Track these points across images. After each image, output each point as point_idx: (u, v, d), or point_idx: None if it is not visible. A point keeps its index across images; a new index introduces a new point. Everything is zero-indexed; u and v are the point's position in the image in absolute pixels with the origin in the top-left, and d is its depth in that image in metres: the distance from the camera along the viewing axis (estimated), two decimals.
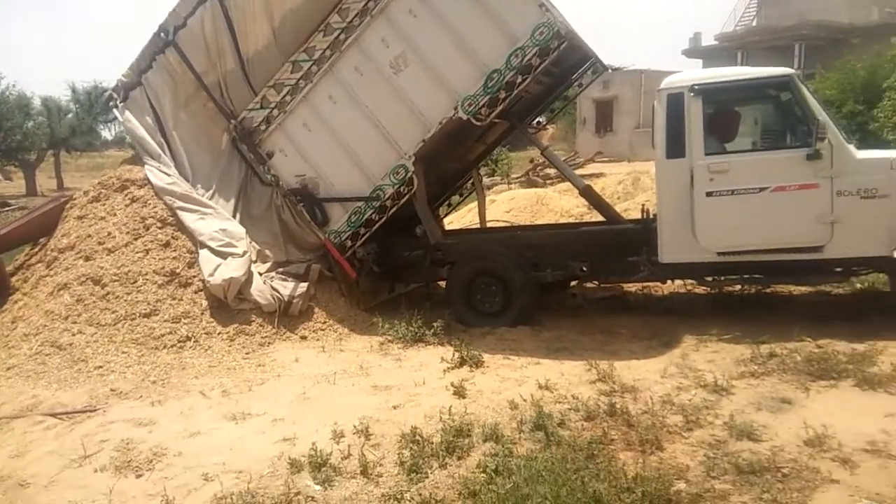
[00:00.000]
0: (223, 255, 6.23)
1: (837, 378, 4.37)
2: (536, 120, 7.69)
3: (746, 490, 3.22)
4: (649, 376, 4.74)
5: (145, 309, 5.92)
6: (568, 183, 15.25)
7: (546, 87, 6.99)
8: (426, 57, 6.03)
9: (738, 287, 6.40)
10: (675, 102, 5.58)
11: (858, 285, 6.41)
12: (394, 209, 6.38)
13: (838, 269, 5.57)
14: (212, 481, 3.59)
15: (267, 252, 6.63)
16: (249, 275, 6.19)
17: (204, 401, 4.75)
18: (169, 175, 6.77)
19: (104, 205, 6.88)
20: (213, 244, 6.30)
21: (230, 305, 6.06)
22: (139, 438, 4.12)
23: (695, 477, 3.37)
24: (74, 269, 6.32)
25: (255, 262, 6.44)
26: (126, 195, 6.89)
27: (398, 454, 3.77)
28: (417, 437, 3.87)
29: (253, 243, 6.57)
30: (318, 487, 3.50)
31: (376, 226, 6.44)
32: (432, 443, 3.82)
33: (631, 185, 13.63)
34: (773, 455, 3.48)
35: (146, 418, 4.44)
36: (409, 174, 6.23)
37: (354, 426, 4.09)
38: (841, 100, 15.24)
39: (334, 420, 4.19)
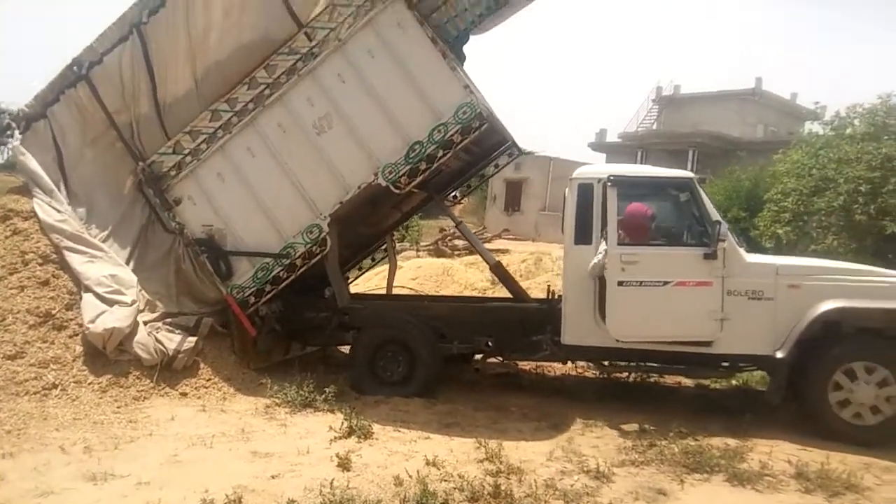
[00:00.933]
0: (109, 303, 5.89)
1: (710, 472, 4.53)
2: (452, 194, 7.86)
3: None
4: (536, 458, 4.76)
5: (10, 350, 5.45)
6: (475, 256, 15.65)
7: (464, 164, 7.21)
8: (351, 121, 6.10)
9: (626, 374, 6.63)
10: (586, 192, 5.84)
11: (734, 382, 6.78)
12: (304, 268, 6.26)
13: (725, 364, 5.84)
14: None
15: (157, 302, 6.31)
16: (135, 326, 5.84)
17: (62, 456, 4.34)
18: (59, 212, 6.40)
19: None
20: (99, 289, 5.94)
21: (108, 356, 5.67)
22: None
23: None
24: None
25: (143, 311, 6.10)
26: (8, 226, 6.44)
27: None
28: None
29: (143, 292, 6.24)
30: None
31: (284, 284, 6.28)
32: None
33: (533, 264, 14.07)
34: None
35: None
36: (323, 234, 6.17)
37: (226, 495, 3.83)
38: (727, 205, 16.55)
39: (205, 487, 3.92)
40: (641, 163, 29.74)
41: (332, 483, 4.04)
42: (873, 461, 4.81)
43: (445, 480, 4.28)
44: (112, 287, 6.00)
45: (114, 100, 6.56)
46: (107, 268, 6.16)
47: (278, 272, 6.28)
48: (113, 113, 6.57)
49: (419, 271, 12.23)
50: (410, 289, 10.95)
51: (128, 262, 6.43)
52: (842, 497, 4.21)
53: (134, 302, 5.97)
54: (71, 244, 6.21)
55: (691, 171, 27.37)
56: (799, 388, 5.43)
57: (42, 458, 4.29)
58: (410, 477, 4.23)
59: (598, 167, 6.55)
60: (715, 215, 5.61)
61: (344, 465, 4.41)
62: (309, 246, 6.22)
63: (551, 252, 15.58)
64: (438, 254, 20.03)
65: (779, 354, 5.37)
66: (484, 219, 29.64)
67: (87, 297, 5.90)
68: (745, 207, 15.99)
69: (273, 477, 4.23)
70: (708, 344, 5.59)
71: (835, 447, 5.00)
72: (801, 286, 5.47)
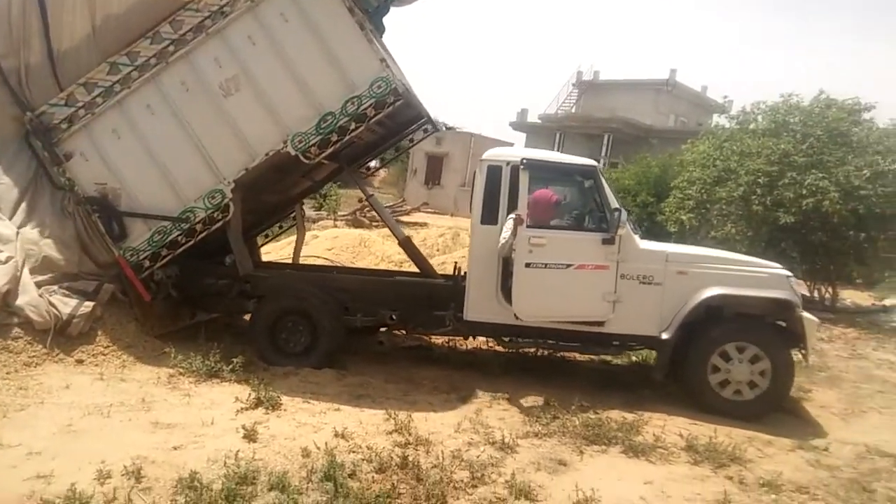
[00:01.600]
0: None
1: (608, 444, 4.78)
2: (367, 165, 7.76)
3: None
4: (444, 430, 4.85)
5: None
6: None
7: (379, 137, 7.12)
8: (260, 86, 5.89)
9: (533, 349, 6.84)
10: (494, 175, 5.94)
11: (634, 358, 7.12)
12: (204, 234, 6.04)
13: (615, 343, 6.13)
14: None
15: (55, 262, 5.93)
16: (15, 285, 5.47)
17: None
18: None
19: None
20: None
21: None
22: None
23: None
24: None
25: (37, 271, 5.72)
26: None
27: (171, 501, 3.48)
28: (195, 483, 3.61)
29: (34, 248, 5.84)
30: None
31: (182, 249, 6.05)
32: (211, 490, 3.58)
33: (451, 239, 14.13)
34: None
35: None
36: (226, 200, 5.97)
37: (125, 466, 3.72)
38: (637, 190, 17.24)
39: (102, 458, 3.79)
40: (560, 145, 30.48)
41: (236, 454, 3.99)
42: (756, 435, 5.18)
43: (354, 452, 4.31)
44: None
45: (1, 42, 6.07)
46: None
47: (176, 236, 6.05)
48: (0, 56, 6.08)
49: (336, 241, 12.07)
50: (326, 259, 10.80)
51: (13, 215, 5.98)
52: (727, 468, 4.52)
53: (11, 259, 5.57)
54: None
55: (606, 155, 28.37)
56: (681, 367, 5.80)
57: None
58: (318, 448, 4.24)
59: (507, 150, 6.66)
60: (615, 203, 5.83)
61: (250, 436, 4.36)
62: (210, 211, 6.02)
63: (469, 228, 15.73)
64: (356, 224, 19.87)
65: (664, 335, 5.71)
66: (404, 191, 29.55)
67: None
68: (653, 193, 16.67)
69: (175, 448, 4.12)
70: (601, 324, 5.86)
71: (722, 422, 5.35)
72: (687, 273, 5.80)
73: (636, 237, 5.98)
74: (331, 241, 12.10)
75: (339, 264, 9.67)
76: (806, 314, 5.72)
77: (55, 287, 5.74)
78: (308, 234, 11.39)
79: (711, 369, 5.66)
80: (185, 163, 6.01)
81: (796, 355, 5.78)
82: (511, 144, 33.09)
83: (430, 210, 26.40)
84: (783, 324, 5.82)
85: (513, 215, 5.65)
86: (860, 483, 4.49)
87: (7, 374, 5.02)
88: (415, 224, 20.29)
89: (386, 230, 15.37)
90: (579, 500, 3.86)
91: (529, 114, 35.11)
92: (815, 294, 12.00)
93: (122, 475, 3.66)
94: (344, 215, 21.36)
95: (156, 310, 6.26)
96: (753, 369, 5.61)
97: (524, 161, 5.72)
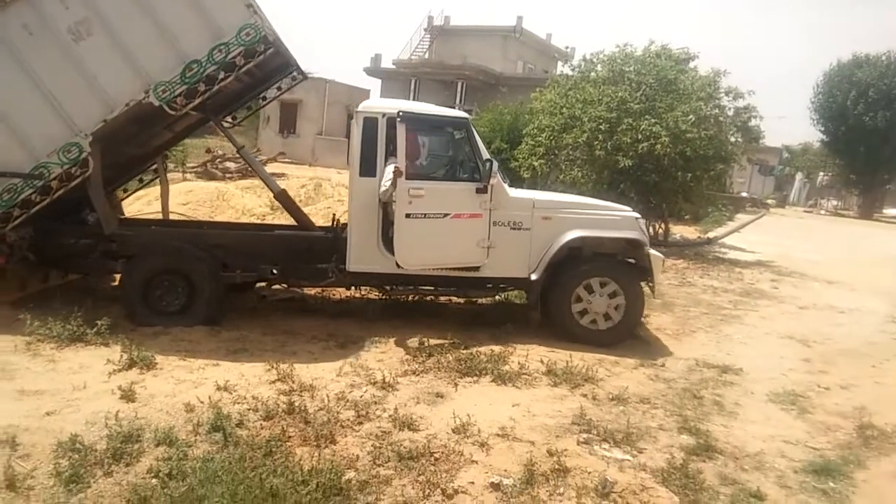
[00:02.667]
0: None
1: (479, 375, 5.20)
2: (231, 115, 7.49)
3: (406, 474, 3.66)
4: (326, 375, 5.04)
5: None
6: (251, 180, 15.14)
7: (245, 86, 6.88)
8: (115, 31, 5.50)
9: (405, 296, 7.13)
10: (370, 126, 6.02)
11: (497, 298, 7.64)
12: (61, 191, 5.64)
13: (489, 286, 6.57)
14: None
15: None
16: None
17: None
18: None
19: None
20: None
21: None
22: None
23: (363, 465, 3.72)
24: None
25: None
26: None
27: (54, 464, 3.42)
28: (77, 445, 3.57)
29: None
30: None
31: (37, 208, 5.63)
32: (96, 450, 3.56)
33: (313, 190, 13.98)
34: (429, 442, 4.00)
35: None
36: (84, 155, 5.60)
37: None
38: (490, 137, 17.87)
39: None
40: (415, 92, 30.56)
41: (116, 414, 3.94)
42: (605, 357, 5.86)
43: (238, 403, 4.39)
44: None
45: None
46: None
47: (29, 195, 5.61)
48: None
49: (190, 196, 11.57)
50: (181, 214, 10.35)
51: None
52: (581, 387, 5.11)
53: None
54: None
55: (460, 102, 28.89)
56: (547, 303, 6.36)
57: None
58: (202, 402, 4.27)
59: (382, 102, 6.76)
60: (486, 154, 6.16)
61: (128, 396, 4.30)
62: (67, 167, 5.62)
63: (330, 178, 15.61)
64: (208, 177, 18.95)
65: (533, 276, 6.22)
66: (257, 141, 28.39)
67: None
68: (506, 140, 17.39)
69: (48, 414, 3.99)
70: (476, 269, 6.25)
71: (576, 348, 5.96)
72: (552, 218, 6.32)
73: (506, 186, 6.36)
74: (185, 196, 11.58)
75: (196, 219, 9.32)
76: (653, 251, 6.43)
77: None
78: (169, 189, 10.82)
79: (575, 299, 6.22)
80: (33, 114, 5.53)
81: (645, 288, 6.49)
82: (367, 91, 32.79)
83: (286, 160, 25.62)
84: (633, 261, 6.48)
85: (391, 166, 5.79)
86: (691, 392, 5.27)
87: None
88: (273, 175, 19.70)
89: (244, 182, 14.98)
90: (457, 427, 4.22)
91: (383, 59, 34.83)
92: (651, 231, 13.31)
93: None
94: (193, 167, 20.26)
95: (7, 275, 5.80)
96: (610, 304, 6.25)
97: (400, 113, 5.84)
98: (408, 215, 5.82)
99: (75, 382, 4.45)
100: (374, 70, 34.54)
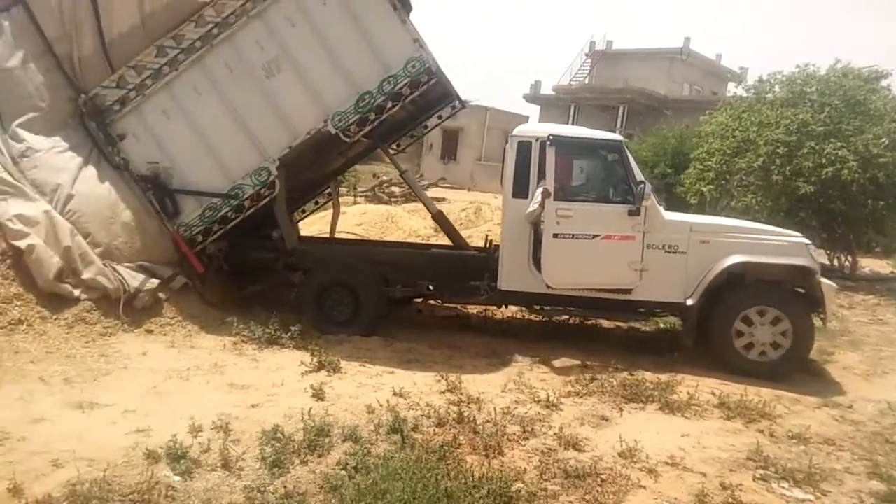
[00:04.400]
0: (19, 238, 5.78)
1: (645, 402, 5.14)
2: (396, 142, 8.05)
3: (572, 492, 3.73)
4: (491, 390, 5.23)
5: None
6: (416, 203, 15.92)
7: (409, 114, 7.40)
8: (300, 67, 6.17)
9: (566, 317, 7.18)
10: (524, 150, 6.25)
11: (662, 325, 7.46)
12: (252, 210, 6.38)
13: (641, 310, 6.45)
14: (63, 467, 3.46)
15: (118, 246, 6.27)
16: (79, 260, 5.82)
17: (44, 387, 4.50)
18: None
19: None
20: (10, 225, 5.81)
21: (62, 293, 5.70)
22: None
23: (530, 479, 3.83)
24: None
25: (106, 240, 6.12)
26: None
27: (260, 450, 3.87)
28: (279, 435, 4.00)
29: (69, 232, 6.11)
30: (177, 478, 3.51)
31: (232, 224, 6.40)
32: (293, 440, 3.97)
33: (473, 213, 14.45)
34: (594, 463, 4.03)
35: None
36: (272, 177, 6.29)
37: (213, 422, 4.11)
38: (654, 161, 17.41)
39: (191, 415, 4.17)
40: (574, 117, 30.50)
41: (309, 411, 4.37)
42: (784, 394, 5.53)
43: (413, 409, 4.69)
44: (16, 228, 5.82)
45: (52, 27, 6.38)
46: (15, 206, 5.93)
47: (226, 212, 6.39)
48: (52, 42, 6.39)
49: (364, 217, 12.43)
50: (354, 234, 11.16)
51: (69, 192, 6.25)
52: (757, 423, 4.87)
53: (35, 245, 5.74)
54: None
55: (621, 127, 28.39)
56: (705, 330, 6.13)
57: (25, 389, 4.42)
58: (381, 406, 4.62)
59: (536, 126, 6.95)
60: (639, 176, 6.12)
61: (318, 395, 4.75)
62: (257, 188, 6.34)
63: (489, 202, 16.02)
64: (376, 200, 20.18)
65: (689, 302, 6.05)
66: (420, 166, 29.73)
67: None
68: (671, 164, 16.84)
69: (253, 406, 4.52)
70: (628, 291, 6.18)
71: (751, 382, 5.68)
72: (710, 242, 6.12)
73: (661, 209, 6.27)
74: (359, 217, 12.46)
75: (367, 238, 9.99)
76: (824, 280, 6.02)
77: (129, 263, 6.09)
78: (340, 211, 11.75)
79: (736, 328, 5.97)
80: (231, 142, 6.32)
81: (816, 320, 6.07)
82: (526, 118, 33.23)
83: (446, 185, 26.62)
84: (802, 290, 6.10)
85: (541, 188, 5.95)
86: (883, 436, 4.83)
87: (87, 342, 5.44)
88: (434, 199, 20.54)
89: (410, 206, 15.79)
90: (623, 451, 4.21)
91: (543, 86, 35.11)
92: (835, 263, 12.24)
93: (212, 429, 4.05)
94: (363, 191, 21.67)
95: (208, 282, 6.61)
96: (775, 331, 5.93)
97: (550, 137, 6.00)
98: (555, 235, 5.93)
99: (274, 380, 5.01)
100: (533, 97, 34.88)
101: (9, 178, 6.06)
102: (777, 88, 12.82)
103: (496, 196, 20.96)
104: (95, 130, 6.54)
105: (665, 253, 6.11)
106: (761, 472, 4.06)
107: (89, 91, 6.38)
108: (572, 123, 28.65)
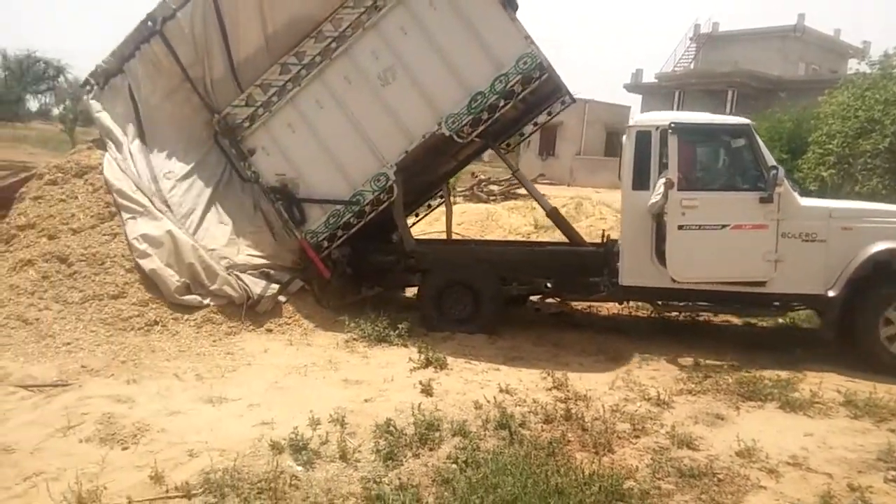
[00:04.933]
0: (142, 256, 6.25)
1: (764, 400, 4.93)
2: (506, 142, 8.08)
3: (687, 491, 3.64)
4: (598, 387, 5.17)
5: (113, 290, 5.98)
6: (514, 201, 15.92)
7: (519, 113, 7.42)
8: (414, 73, 6.33)
9: (675, 313, 6.97)
10: (643, 140, 6.06)
11: (781, 320, 7.09)
12: (372, 214, 6.62)
13: (776, 304, 6.14)
14: (197, 457, 3.75)
15: (247, 250, 6.71)
16: (204, 273, 6.24)
17: (179, 383, 4.88)
18: (122, 170, 6.77)
19: (62, 188, 6.92)
20: (136, 244, 6.29)
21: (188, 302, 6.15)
22: (120, 413, 4.23)
23: (642, 477, 3.77)
24: (38, 246, 6.32)
25: (234, 253, 6.58)
26: (86, 181, 6.92)
27: (374, 442, 4.03)
28: (391, 428, 4.15)
29: (234, 237, 6.69)
30: (300, 468, 3.72)
31: (354, 229, 6.65)
32: (405, 434, 4.11)
33: (574, 209, 14.23)
34: (710, 462, 3.92)
35: (124, 395, 4.54)
36: (390, 182, 6.50)
37: (330, 415, 4.32)
38: (770, 147, 16.36)
39: (309, 409, 4.39)
40: (679, 104, 29.38)
41: (419, 406, 4.50)
42: None
43: (520, 405, 4.73)
44: (140, 249, 6.25)
45: (187, 54, 6.87)
46: (142, 226, 6.41)
47: (349, 218, 6.64)
48: (187, 67, 6.89)
49: (464, 216, 12.57)
50: (456, 233, 11.29)
51: (207, 207, 6.80)
52: (889, 422, 4.56)
53: (155, 267, 6.16)
54: (120, 200, 6.59)
55: (731, 112, 27.04)
56: (850, 324, 5.72)
57: (162, 384, 4.82)
58: (488, 402, 4.69)
59: (655, 115, 6.73)
60: (771, 160, 5.81)
61: (427, 391, 4.88)
62: (377, 193, 6.56)
63: (590, 196, 15.75)
64: (475, 199, 20.31)
65: (831, 293, 5.67)
66: (518, 163, 29.59)
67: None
68: (787, 149, 15.86)
69: (366, 400, 4.71)
70: (762, 284, 5.88)
71: (880, 379, 5.33)
72: (853, 228, 5.72)
73: (796, 194, 5.95)
74: (459, 216, 12.57)
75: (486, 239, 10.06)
76: None
77: (250, 269, 6.51)
78: (437, 211, 11.95)
79: (884, 322, 5.58)
80: (352, 150, 6.58)
81: None
82: (628, 108, 32.33)
83: (545, 181, 26.35)
84: None
85: (663, 178, 5.79)
86: None
87: (214, 341, 5.86)
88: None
89: (509, 203, 15.80)
90: (741, 450, 4.06)
91: (645, 74, 34.05)
92: None
93: (329, 422, 4.25)
94: (462, 191, 21.87)
95: (332, 286, 6.93)
96: None
97: (672, 125, 5.83)
98: (680, 227, 5.75)
99: (385, 375, 5.19)
100: (634, 86, 33.90)
101: (139, 198, 6.60)
102: None
103: (597, 191, 20.65)
104: (228, 147, 7.02)
105: (802, 242, 5.79)
106: (893, 473, 3.81)
107: (221, 111, 6.82)
108: (678, 110, 27.60)
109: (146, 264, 6.19)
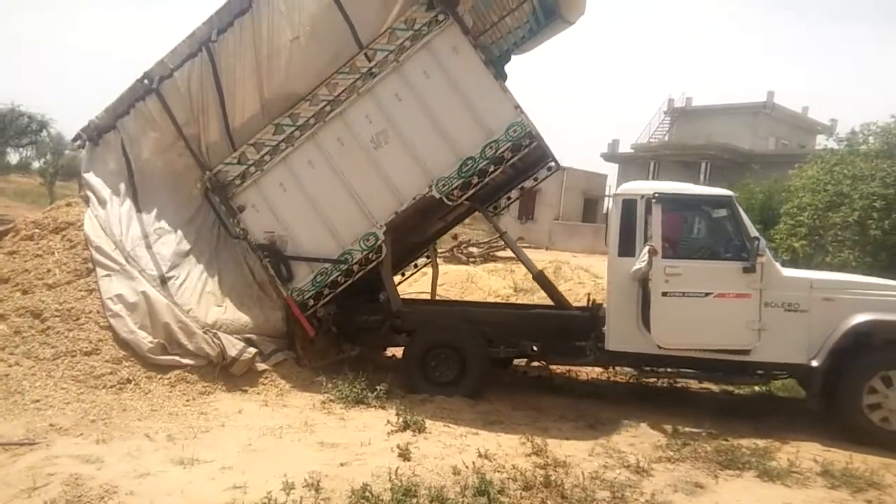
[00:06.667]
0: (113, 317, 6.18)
1: (742, 469, 4.90)
2: (493, 205, 8.23)
3: None
4: (578, 454, 5.12)
5: (86, 347, 5.87)
6: (493, 264, 16.03)
7: (507, 178, 7.58)
8: (406, 137, 6.47)
9: (655, 379, 6.98)
10: (629, 208, 6.20)
11: (757, 388, 7.12)
12: (360, 274, 6.63)
13: (760, 372, 6.17)
14: None
15: (234, 308, 6.68)
16: (179, 331, 6.19)
17: (150, 443, 4.74)
18: (102, 228, 6.76)
19: (38, 244, 6.87)
20: (109, 304, 6.22)
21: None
22: (87, 475, 4.09)
23: None
24: (11, 300, 6.23)
25: (220, 312, 6.55)
26: (63, 237, 6.88)
27: None
28: (367, 494, 4.06)
29: (221, 296, 6.66)
30: None
31: (341, 288, 6.65)
32: (382, 500, 4.02)
33: (553, 273, 14.36)
34: None
35: (93, 456, 4.40)
36: (379, 242, 6.54)
37: (305, 479, 4.22)
38: None
39: (283, 472, 4.30)
40: (654, 174, 30.16)
41: (396, 470, 4.42)
42: (893, 462, 5.16)
43: (499, 471, 4.65)
44: (112, 310, 6.18)
45: (182, 112, 6.96)
46: (116, 286, 6.34)
47: (336, 277, 6.64)
48: (182, 125, 6.97)
49: (445, 277, 12.59)
50: (438, 295, 11.31)
51: (194, 264, 6.77)
52: (865, 493, 4.56)
53: (131, 330, 6.10)
54: (98, 256, 6.54)
55: (704, 183, 27.79)
56: (832, 394, 5.75)
57: (133, 445, 4.68)
58: (467, 467, 4.61)
59: (640, 184, 6.88)
60: (753, 231, 5.96)
61: (404, 455, 4.79)
62: (365, 253, 6.59)
63: (569, 261, 15.97)
64: (455, 261, 20.42)
65: (814, 363, 5.73)
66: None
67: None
68: (759, 220, 16.26)
69: (342, 464, 4.60)
70: (746, 352, 5.93)
71: (856, 449, 5.34)
72: (834, 299, 5.83)
73: (777, 265, 6.08)
74: (441, 278, 12.57)
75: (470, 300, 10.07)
76: None
77: (230, 331, 6.44)
78: (420, 272, 12.00)
79: (868, 391, 5.62)
80: (342, 210, 6.63)
81: None
82: (605, 176, 33.09)
83: (525, 244, 26.58)
84: None
85: (647, 246, 5.91)
86: None
87: (187, 401, 5.73)
88: (513, 260, 20.59)
89: (489, 266, 15.92)
90: None
91: (621, 144, 35.04)
92: None
93: (304, 487, 4.15)
94: (442, 252, 22.00)
95: (315, 345, 6.87)
96: None
97: (656, 194, 5.99)
98: (664, 294, 5.84)
99: (362, 439, 5.09)
100: (611, 155, 34.83)
101: (116, 257, 6.55)
102: (871, 139, 12.38)
103: (574, 255, 20.93)
104: (218, 204, 7.04)
105: (785, 311, 5.86)
106: None
107: (213, 168, 6.86)
108: (654, 180, 28.32)
109: (117, 325, 6.12)
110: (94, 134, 7.16)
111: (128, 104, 7.04)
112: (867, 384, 5.62)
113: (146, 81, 6.96)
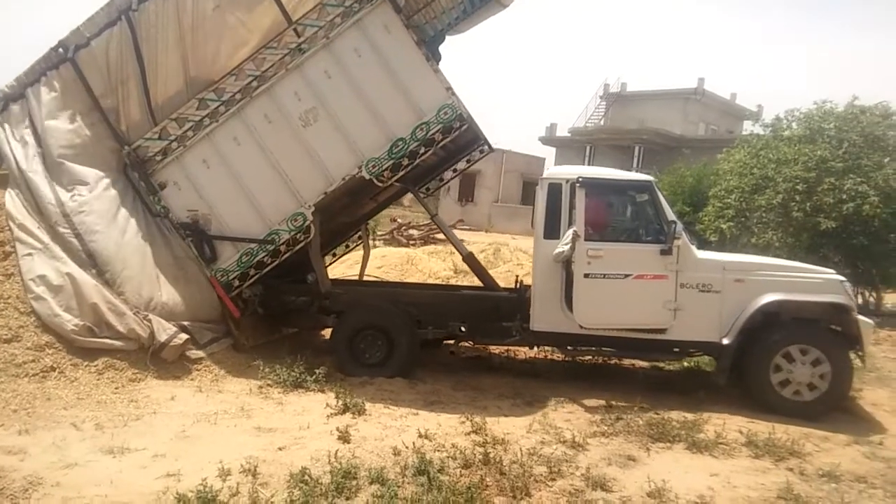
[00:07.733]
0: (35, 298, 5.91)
1: (672, 441, 5.10)
2: (426, 186, 8.20)
3: None
4: (516, 431, 5.21)
5: (6, 334, 5.58)
6: (433, 246, 16.05)
7: (439, 159, 7.56)
8: (336, 116, 6.35)
9: (589, 357, 7.16)
10: (555, 191, 6.32)
11: (686, 364, 7.40)
12: (287, 254, 6.50)
13: (676, 350, 6.42)
14: None
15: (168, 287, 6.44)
16: (108, 311, 5.95)
17: (76, 433, 4.56)
18: (24, 206, 6.40)
19: None
20: (32, 286, 5.94)
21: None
22: (10, 466, 3.90)
23: None
24: None
25: (154, 290, 6.29)
26: None
27: (288, 493, 3.89)
28: (306, 478, 4.02)
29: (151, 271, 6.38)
30: None
31: (268, 268, 6.52)
32: (321, 483, 3.99)
33: (492, 254, 14.49)
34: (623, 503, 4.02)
35: (15, 447, 4.21)
36: (307, 223, 6.43)
37: (241, 465, 4.15)
38: (672, 200, 17.30)
39: (219, 459, 4.21)
40: (590, 158, 30.75)
41: (335, 453, 4.39)
42: (812, 431, 5.45)
43: (439, 450, 4.69)
44: (34, 293, 5.92)
45: (100, 84, 6.63)
46: (38, 266, 6.06)
47: (262, 257, 6.51)
48: (99, 96, 6.63)
49: (384, 260, 12.54)
50: (375, 277, 11.25)
51: (113, 245, 6.39)
52: (787, 461, 4.81)
53: (56, 313, 5.85)
54: (21, 234, 6.21)
55: (637, 167, 28.53)
56: (743, 370, 6.06)
57: (58, 435, 4.49)
58: (407, 448, 4.63)
59: (566, 169, 7.01)
60: (671, 215, 6.17)
61: (344, 437, 4.77)
62: (293, 233, 6.47)
63: (508, 243, 16.11)
64: (395, 243, 20.37)
65: (725, 341, 6.00)
66: (437, 209, 29.98)
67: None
68: (689, 202, 16.82)
69: (280, 449, 4.55)
70: (662, 331, 6.17)
71: (779, 420, 5.61)
72: (745, 281, 6.10)
73: (693, 247, 6.30)
74: (379, 260, 12.55)
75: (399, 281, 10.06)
76: (861, 317, 5.96)
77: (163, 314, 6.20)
78: (358, 254, 11.90)
79: (774, 370, 5.90)
80: (269, 189, 6.48)
81: (854, 358, 5.99)
82: (543, 160, 33.51)
83: (464, 227, 26.82)
84: (839, 328, 6.05)
85: (571, 230, 6.02)
86: None
87: (116, 388, 5.53)
88: None
89: (429, 248, 15.92)
90: (652, 491, 4.17)
91: (558, 128, 35.53)
92: (859, 298, 12.07)
93: (240, 473, 4.08)
94: (382, 235, 21.90)
95: (242, 326, 6.71)
96: (814, 372, 5.84)
97: (580, 179, 6.11)
98: (587, 275, 5.98)
99: (300, 423, 5.05)
100: (549, 139, 35.32)
101: (40, 235, 6.22)
102: (794, 125, 12.90)
103: (514, 237, 21.16)
104: (137, 180, 6.73)
105: (699, 292, 6.10)
106: None
107: (133, 143, 6.58)
108: (588, 164, 28.89)
109: (41, 309, 5.84)
110: (2, 103, 6.73)
111: (39, 73, 6.65)
112: (772, 361, 5.91)
113: (60, 50, 6.59)
